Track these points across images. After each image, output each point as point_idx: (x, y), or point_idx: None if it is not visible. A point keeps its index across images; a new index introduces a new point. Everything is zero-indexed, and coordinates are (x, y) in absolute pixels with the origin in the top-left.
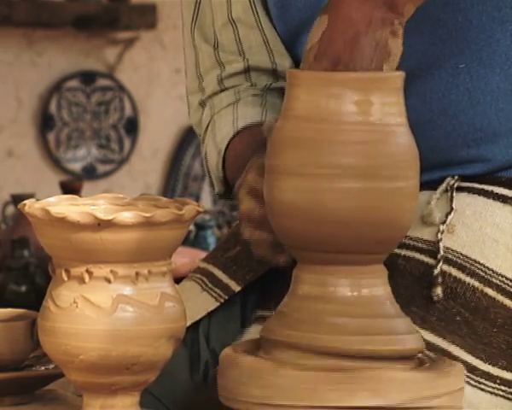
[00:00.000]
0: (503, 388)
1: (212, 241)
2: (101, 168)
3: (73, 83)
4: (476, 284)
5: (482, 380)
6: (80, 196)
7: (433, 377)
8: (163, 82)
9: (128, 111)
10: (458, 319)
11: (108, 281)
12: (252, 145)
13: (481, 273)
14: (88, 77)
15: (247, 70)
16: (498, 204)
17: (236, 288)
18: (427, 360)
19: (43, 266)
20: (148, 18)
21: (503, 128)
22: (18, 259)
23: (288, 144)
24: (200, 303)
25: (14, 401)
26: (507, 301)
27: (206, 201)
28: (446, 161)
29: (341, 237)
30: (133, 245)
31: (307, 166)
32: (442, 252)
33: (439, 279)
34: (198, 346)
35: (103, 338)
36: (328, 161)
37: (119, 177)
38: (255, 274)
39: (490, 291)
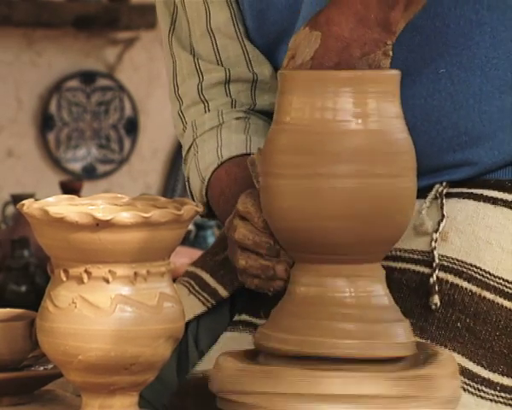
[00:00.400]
0: (503, 394)
1: (211, 241)
2: (101, 168)
3: (73, 83)
4: (474, 288)
5: (482, 388)
6: (80, 197)
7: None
8: (163, 82)
9: (128, 111)
10: (458, 325)
11: (107, 281)
12: (238, 180)
13: (478, 277)
14: (88, 77)
15: (227, 81)
16: (489, 206)
17: (224, 293)
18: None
19: (43, 266)
20: (148, 18)
21: (488, 130)
22: (18, 259)
23: (283, 146)
24: (188, 306)
25: (12, 401)
26: (506, 303)
27: None
28: (433, 167)
29: (339, 235)
30: (132, 245)
31: (304, 167)
32: (437, 260)
33: (436, 287)
34: (187, 348)
35: (102, 338)
36: (325, 161)
37: (119, 177)
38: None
39: (488, 294)
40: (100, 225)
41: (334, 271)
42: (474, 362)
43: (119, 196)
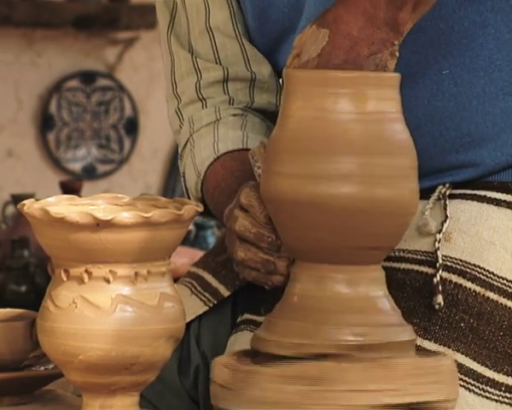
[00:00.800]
0: (508, 395)
1: (212, 241)
2: (101, 168)
3: (73, 83)
4: (477, 288)
5: (487, 388)
6: (80, 196)
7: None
8: (163, 82)
9: (128, 111)
10: (462, 325)
11: (107, 281)
12: (235, 172)
13: (482, 277)
14: (88, 77)
15: (225, 79)
16: (493, 207)
17: (226, 293)
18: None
19: (43, 266)
20: (148, 18)
21: (491, 132)
22: (18, 259)
23: (287, 144)
24: (189, 307)
25: (13, 401)
26: (510, 304)
27: None
28: (435, 168)
29: (341, 231)
30: (132, 245)
31: (307, 166)
32: (441, 260)
33: (440, 287)
34: (188, 349)
35: (102, 338)
36: (325, 162)
37: (119, 177)
38: (245, 279)
39: (492, 295)
40: (100, 225)
41: (334, 271)
42: (478, 362)
43: (120, 196)
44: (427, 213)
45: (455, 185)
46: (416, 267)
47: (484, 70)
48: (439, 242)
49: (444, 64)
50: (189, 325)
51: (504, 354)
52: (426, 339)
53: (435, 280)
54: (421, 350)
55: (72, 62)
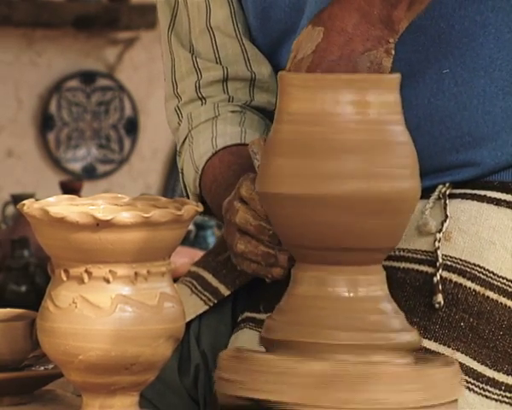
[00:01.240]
0: (508, 394)
1: (211, 241)
2: (101, 168)
3: (73, 83)
4: (477, 288)
5: (487, 387)
6: (80, 196)
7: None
8: (163, 82)
9: (128, 111)
10: (462, 324)
11: (107, 281)
12: (232, 166)
13: (482, 277)
14: (88, 77)
15: (225, 79)
16: (493, 207)
17: (226, 292)
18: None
19: (43, 266)
20: (148, 18)
21: (491, 131)
22: (18, 259)
23: (284, 147)
24: (190, 306)
25: (13, 401)
26: (510, 303)
27: None
28: (436, 168)
29: (341, 232)
30: (132, 245)
31: (305, 168)
32: (441, 260)
33: (440, 286)
34: (188, 348)
35: (102, 338)
36: (325, 162)
37: (119, 177)
38: (245, 278)
39: (491, 294)
40: (100, 225)
41: (335, 271)
42: (478, 362)
43: (120, 196)
44: (427, 212)
45: (455, 185)
46: (416, 267)
47: (484, 69)
48: (439, 241)
49: (444, 63)
50: (189, 324)
51: (504, 353)
52: (426, 338)
53: (435, 279)
54: (421, 350)
55: (72, 62)
